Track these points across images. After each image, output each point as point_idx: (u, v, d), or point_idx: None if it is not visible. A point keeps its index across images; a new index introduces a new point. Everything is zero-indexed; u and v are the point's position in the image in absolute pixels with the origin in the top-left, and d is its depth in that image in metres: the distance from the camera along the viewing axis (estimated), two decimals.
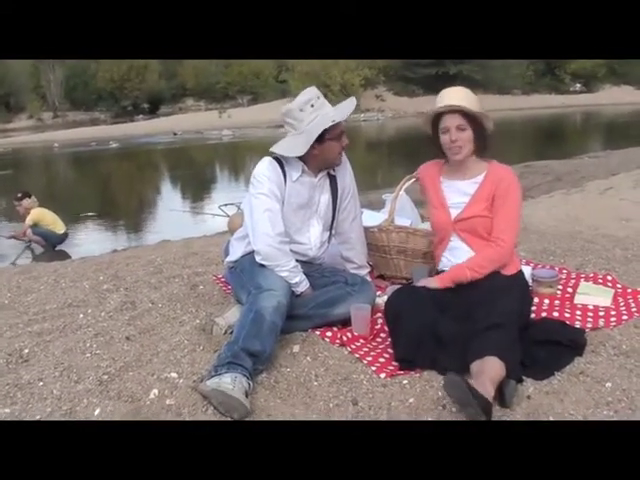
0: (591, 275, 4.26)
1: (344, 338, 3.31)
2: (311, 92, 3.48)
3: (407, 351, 2.99)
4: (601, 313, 3.57)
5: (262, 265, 3.41)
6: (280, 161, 3.55)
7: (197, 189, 17.80)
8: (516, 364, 2.80)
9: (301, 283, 3.48)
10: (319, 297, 3.50)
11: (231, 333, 3.28)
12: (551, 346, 3.07)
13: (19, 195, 10.71)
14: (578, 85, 56.28)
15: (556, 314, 3.54)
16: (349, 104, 3.54)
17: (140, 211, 14.55)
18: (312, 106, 3.44)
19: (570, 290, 3.95)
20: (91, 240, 11.29)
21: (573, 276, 4.28)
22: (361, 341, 3.32)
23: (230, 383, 2.72)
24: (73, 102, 59.57)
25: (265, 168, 3.51)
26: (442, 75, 47.82)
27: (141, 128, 40.47)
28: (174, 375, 3.02)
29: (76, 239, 11.32)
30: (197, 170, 22.77)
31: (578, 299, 3.76)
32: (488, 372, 2.66)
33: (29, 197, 10.69)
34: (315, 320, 3.47)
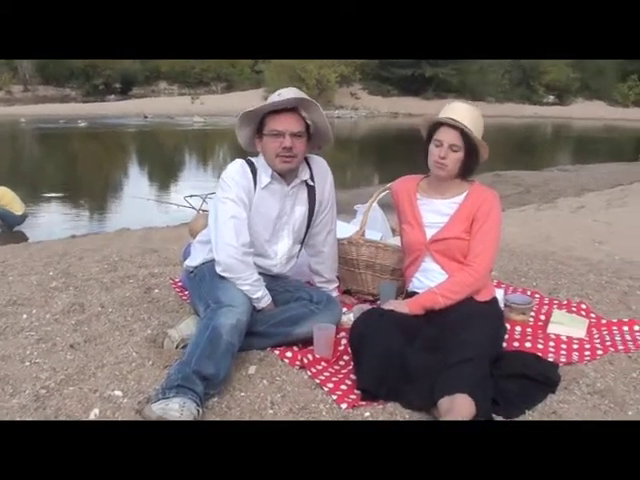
0: (564, 302, 4.10)
1: (305, 360, 3.09)
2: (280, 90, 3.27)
3: (370, 381, 2.77)
4: (575, 346, 3.41)
5: (223, 277, 3.19)
6: (253, 164, 3.33)
7: (163, 176, 17.53)
8: (487, 402, 2.61)
9: (263, 298, 3.26)
10: (281, 314, 3.28)
11: (183, 347, 3.07)
12: (523, 381, 2.89)
13: None
14: (551, 97, 56.66)
15: (528, 344, 3.37)
16: (296, 92, 3.25)
17: (103, 195, 14.20)
18: (279, 95, 3.22)
19: (543, 318, 3.79)
20: (51, 222, 10.96)
21: (546, 301, 4.13)
22: (323, 364, 3.10)
23: (177, 410, 2.50)
24: (44, 77, 58.45)
25: (235, 171, 3.29)
26: (418, 77, 47.99)
27: (111, 108, 39.81)
28: (118, 393, 2.78)
29: (36, 220, 10.97)
30: (165, 156, 22.46)
31: (551, 329, 3.60)
32: (458, 410, 2.47)
33: None
34: (275, 338, 3.25)
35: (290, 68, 42.12)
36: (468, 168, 3.18)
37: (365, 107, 46.37)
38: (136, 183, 16.52)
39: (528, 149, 26.91)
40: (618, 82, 55.68)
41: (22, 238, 9.38)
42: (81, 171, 18.33)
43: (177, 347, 3.19)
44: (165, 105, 41.70)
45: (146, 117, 35.53)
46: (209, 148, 25.34)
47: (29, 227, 10.38)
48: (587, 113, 47.50)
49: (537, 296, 4.22)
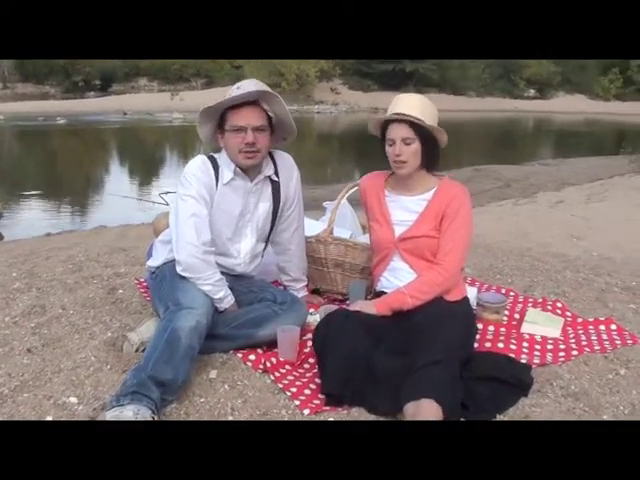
0: (540, 300, 4.02)
1: (268, 364, 2.98)
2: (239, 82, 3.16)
3: (334, 385, 2.66)
4: (549, 346, 3.31)
5: (184, 277, 3.08)
6: (215, 160, 3.21)
7: (140, 173, 17.41)
8: (455, 407, 2.51)
9: (225, 299, 3.15)
10: (244, 315, 3.17)
11: (143, 351, 2.94)
12: (494, 384, 2.80)
13: None
14: (532, 91, 56.67)
15: (501, 345, 3.27)
16: (256, 84, 3.13)
17: (82, 192, 14.04)
18: (238, 88, 3.10)
19: (517, 317, 3.70)
20: (27, 220, 10.84)
21: (521, 299, 4.04)
22: (287, 367, 3.00)
23: (131, 417, 2.38)
24: (23, 74, 57.78)
25: (196, 167, 3.17)
26: (398, 72, 47.90)
27: (91, 105, 39.49)
28: (73, 400, 2.66)
29: (12, 219, 10.86)
30: (143, 153, 22.31)
31: (525, 328, 3.50)
32: (424, 416, 2.38)
33: None
34: (238, 341, 3.13)
35: (270, 63, 41.88)
36: (430, 157, 3.07)
37: (345, 102, 46.28)
38: (114, 180, 16.41)
39: (509, 143, 26.92)
40: (599, 75, 55.93)
41: None
42: (59, 168, 18.18)
43: (137, 350, 3.08)
44: (144, 101, 41.41)
45: (125, 114, 35.25)
46: (188, 144, 25.07)
47: (5, 226, 10.17)
48: (568, 107, 47.67)
49: (512, 294, 4.13)
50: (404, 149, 2.96)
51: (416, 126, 2.95)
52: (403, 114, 2.95)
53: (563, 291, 4.27)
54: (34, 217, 11.17)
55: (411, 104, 2.99)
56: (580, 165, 16.64)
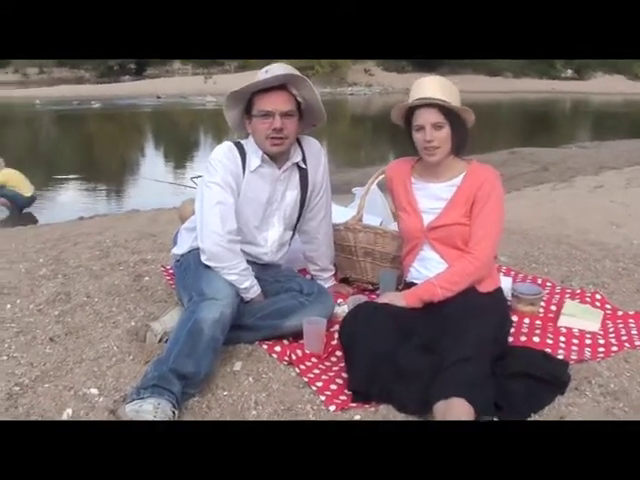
0: (578, 292, 3.86)
1: (293, 356, 2.89)
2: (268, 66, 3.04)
3: (361, 381, 2.56)
4: (587, 341, 3.17)
5: (208, 266, 3.00)
6: (242, 147, 3.12)
7: (173, 157, 17.52)
8: (487, 406, 2.39)
9: (251, 289, 3.07)
10: (269, 306, 3.08)
11: (166, 341, 2.86)
12: (529, 381, 2.67)
13: None
14: (570, 71, 55.79)
15: (537, 339, 3.14)
16: (285, 68, 3.02)
17: (115, 176, 14.23)
18: (266, 72, 3.00)
19: (554, 309, 3.56)
20: (61, 204, 11.03)
21: (558, 290, 3.89)
22: (313, 360, 2.91)
23: (151, 412, 2.32)
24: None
25: (222, 154, 3.08)
26: None
27: (125, 89, 39.75)
28: (94, 391, 2.61)
29: (46, 202, 11.00)
30: (176, 137, 22.43)
31: (562, 321, 3.36)
32: (455, 416, 2.27)
33: None
34: (263, 332, 3.05)
35: None
36: (461, 141, 2.94)
37: (379, 84, 46.06)
38: (147, 163, 16.64)
39: (545, 125, 26.43)
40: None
41: (31, 220, 9.50)
42: (93, 152, 18.38)
43: (160, 341, 3.01)
44: (178, 85, 41.64)
45: (159, 97, 35.51)
46: (221, 128, 25.08)
47: (39, 209, 10.42)
48: (607, 88, 46.62)
49: (548, 284, 3.98)
50: (435, 134, 2.84)
51: (444, 109, 2.82)
52: (430, 98, 2.82)
53: (602, 282, 4.10)
54: (68, 201, 11.35)
55: (434, 87, 2.86)
56: (619, 148, 16.20)
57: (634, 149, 15.71)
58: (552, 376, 2.71)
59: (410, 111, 2.91)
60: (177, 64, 60.42)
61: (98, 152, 18.42)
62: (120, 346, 3.01)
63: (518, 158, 13.46)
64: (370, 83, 46.35)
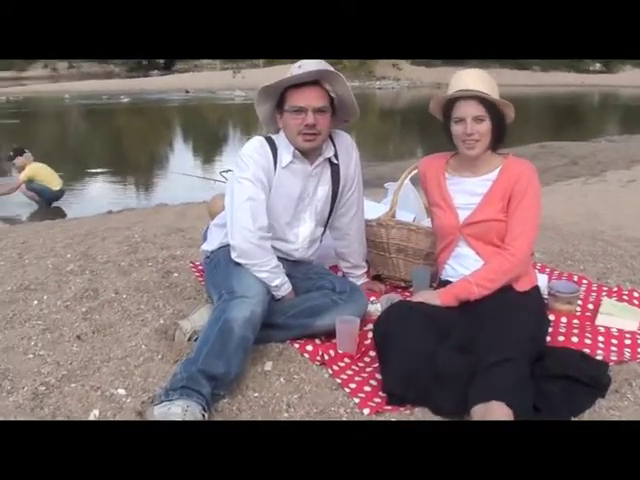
0: (615, 289, 3.75)
1: (326, 357, 2.82)
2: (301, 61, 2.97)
3: (397, 384, 2.48)
4: (627, 341, 3.07)
5: (238, 263, 2.94)
6: (273, 142, 3.06)
7: (202, 151, 17.52)
8: (526, 409, 2.31)
9: (282, 286, 3.00)
10: (301, 304, 3.01)
11: (196, 340, 2.81)
12: (569, 382, 2.58)
13: (10, 154, 10.41)
14: (598, 65, 55.17)
15: (575, 339, 3.04)
16: (318, 63, 2.94)
17: (143, 170, 14.22)
18: (291, 74, 2.94)
19: (591, 307, 3.46)
20: (90, 198, 11.01)
21: (594, 288, 3.78)
22: (346, 360, 2.84)
23: (180, 414, 2.26)
24: None
25: (253, 149, 3.02)
26: None
27: (154, 84, 39.98)
28: (122, 392, 2.56)
29: (75, 196, 11.00)
30: (204, 131, 22.45)
31: (600, 320, 3.26)
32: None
33: (22, 154, 10.28)
34: (295, 331, 2.99)
35: None
36: (499, 136, 2.85)
37: (407, 78, 45.97)
38: (176, 157, 16.62)
39: (574, 119, 26.12)
40: None
41: (59, 214, 9.45)
42: (122, 146, 18.40)
43: (189, 339, 2.95)
44: (207, 80, 41.78)
45: (187, 92, 35.67)
46: (249, 122, 25.10)
47: (68, 203, 10.39)
48: (636, 81, 46.00)
49: (584, 282, 3.88)
50: (476, 127, 2.75)
51: (486, 102, 2.74)
52: (472, 90, 2.74)
53: (639, 279, 3.99)
54: (97, 195, 11.33)
55: (475, 79, 2.78)
56: None
57: None
58: (592, 378, 2.61)
59: (449, 103, 2.82)
60: (206, 59, 60.61)
61: (127, 146, 18.47)
62: (148, 345, 2.96)
63: (547, 152, 13.26)
64: (398, 77, 46.26)
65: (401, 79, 45.71)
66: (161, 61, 57.52)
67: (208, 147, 18.17)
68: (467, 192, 2.92)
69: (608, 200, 6.99)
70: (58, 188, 10.26)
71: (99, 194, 11.38)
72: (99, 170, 13.32)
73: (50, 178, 10.20)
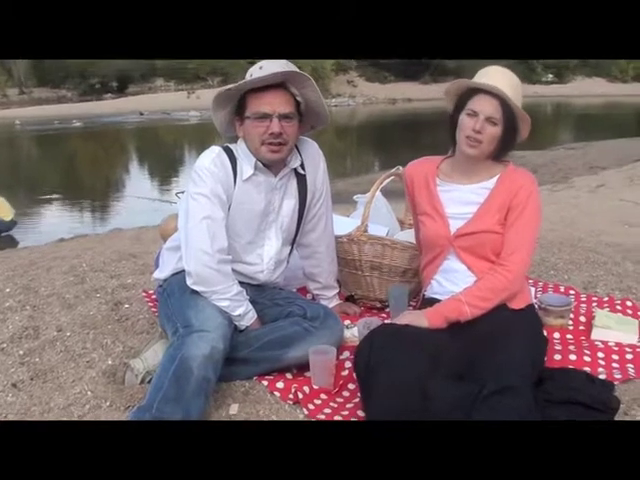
0: (605, 299, 3.50)
1: (299, 394, 2.48)
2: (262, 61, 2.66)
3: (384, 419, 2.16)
4: (629, 356, 2.80)
5: (195, 291, 2.60)
6: (232, 152, 2.73)
7: (157, 172, 17.37)
8: None
9: (246, 315, 2.68)
10: (268, 335, 2.67)
11: (150, 382, 2.46)
12: (575, 407, 2.29)
13: None
14: (550, 75, 56.35)
15: (573, 357, 2.75)
16: (282, 64, 2.66)
17: (97, 195, 14.04)
18: (251, 76, 2.63)
19: (583, 320, 3.19)
20: (43, 226, 10.81)
21: (583, 298, 3.53)
22: (322, 397, 2.50)
23: None
24: (40, 79, 58.35)
25: (209, 161, 2.68)
26: (414, 61, 47.50)
27: (107, 107, 39.65)
28: None
29: (28, 224, 10.75)
30: (160, 152, 22.42)
31: (596, 334, 3.00)
32: None
33: None
34: (262, 365, 2.65)
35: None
36: (505, 148, 2.59)
37: (362, 94, 46.37)
38: (131, 181, 16.71)
39: (532, 129, 26.46)
40: None
41: (11, 243, 9.25)
42: (75, 171, 18.29)
43: (142, 382, 2.60)
44: (161, 101, 41.60)
45: (142, 114, 35.55)
46: (205, 141, 24.97)
47: (19, 232, 10.11)
48: (587, 90, 47.38)
49: (572, 292, 3.62)
50: (487, 128, 2.50)
51: (506, 107, 2.49)
52: (498, 88, 2.48)
53: (628, 286, 3.76)
54: (50, 222, 11.10)
55: (504, 81, 2.53)
56: (607, 148, 16.33)
57: (621, 148, 15.87)
58: (599, 402, 2.32)
59: (469, 93, 2.56)
60: (160, 81, 60.46)
61: (80, 171, 18.32)
62: (95, 390, 2.60)
63: None
64: (354, 94, 46.53)
65: (356, 96, 45.98)
66: (114, 84, 57.28)
67: (164, 168, 17.99)
68: (460, 200, 2.64)
69: (580, 206, 6.85)
70: (10, 218, 9.95)
71: (52, 221, 11.19)
72: (52, 197, 13.11)
73: (1, 208, 9.87)
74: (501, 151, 2.59)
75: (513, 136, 2.58)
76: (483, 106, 2.49)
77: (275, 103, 2.61)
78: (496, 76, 2.54)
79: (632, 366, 2.71)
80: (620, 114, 32.89)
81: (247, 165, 2.72)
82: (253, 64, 2.67)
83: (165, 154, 21.97)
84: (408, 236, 3.22)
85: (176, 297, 2.68)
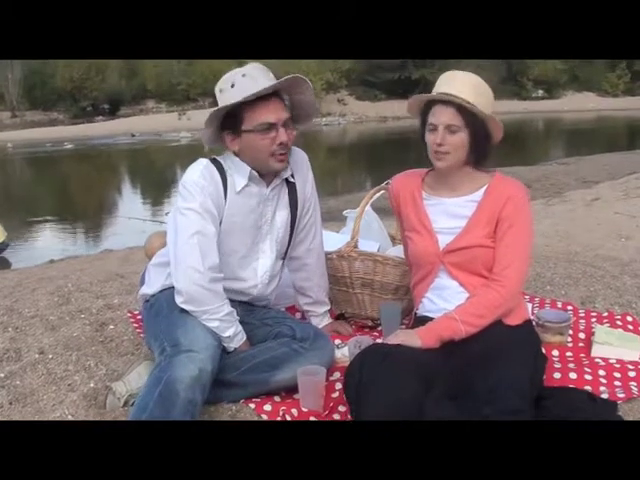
0: (605, 314, 3.40)
1: (287, 417, 2.38)
2: (237, 69, 2.58)
3: None
4: (631, 373, 2.70)
5: (184, 310, 2.50)
6: (220, 165, 2.63)
7: (148, 193, 17.38)
8: None
9: (236, 337, 2.58)
10: (257, 357, 2.56)
11: (132, 405, 2.35)
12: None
13: None
14: (540, 91, 56.80)
15: (573, 375, 2.65)
16: (267, 71, 2.60)
17: (87, 216, 14.16)
18: (232, 86, 2.54)
19: (582, 336, 3.09)
20: (35, 248, 11.02)
21: (582, 314, 3.43)
22: (311, 419, 2.39)
23: None
24: (32, 102, 58.78)
25: (198, 174, 2.59)
26: (404, 79, 47.98)
27: (98, 129, 39.88)
28: None
29: (21, 246, 11.02)
30: (152, 173, 22.49)
31: (597, 351, 2.90)
32: None
33: None
34: (250, 388, 2.54)
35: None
36: (479, 152, 2.48)
37: (353, 113, 46.78)
38: (121, 202, 16.88)
39: (523, 145, 26.65)
40: (607, 72, 55.90)
41: (1, 265, 9.45)
42: (67, 193, 18.28)
43: (124, 405, 2.50)
44: (153, 122, 41.81)
45: (133, 135, 35.92)
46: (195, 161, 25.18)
47: (13, 253, 10.30)
48: (578, 105, 47.72)
49: (570, 308, 3.52)
50: (447, 138, 2.38)
51: (465, 112, 2.37)
52: (450, 95, 2.37)
53: (627, 301, 3.67)
54: (41, 244, 11.36)
55: (463, 84, 2.42)
56: (599, 162, 16.47)
57: (613, 162, 15.97)
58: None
59: (429, 106, 2.46)
60: (151, 103, 60.83)
61: (72, 193, 18.30)
62: (75, 414, 2.49)
63: None
64: (344, 113, 46.73)
65: (347, 114, 46.18)
66: (105, 106, 57.53)
67: (155, 189, 17.99)
68: (448, 214, 2.54)
69: (576, 220, 6.77)
70: (2, 240, 10.09)
71: (44, 243, 11.40)
72: (43, 219, 13.21)
73: None
74: (477, 157, 2.49)
75: (484, 140, 2.48)
76: (439, 117, 2.40)
77: (277, 111, 2.54)
78: (451, 83, 2.44)
79: (635, 384, 2.62)
80: (611, 127, 33.12)
81: (239, 177, 2.63)
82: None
83: (156, 175, 22.11)
84: (400, 252, 3.12)
85: (164, 315, 2.57)
